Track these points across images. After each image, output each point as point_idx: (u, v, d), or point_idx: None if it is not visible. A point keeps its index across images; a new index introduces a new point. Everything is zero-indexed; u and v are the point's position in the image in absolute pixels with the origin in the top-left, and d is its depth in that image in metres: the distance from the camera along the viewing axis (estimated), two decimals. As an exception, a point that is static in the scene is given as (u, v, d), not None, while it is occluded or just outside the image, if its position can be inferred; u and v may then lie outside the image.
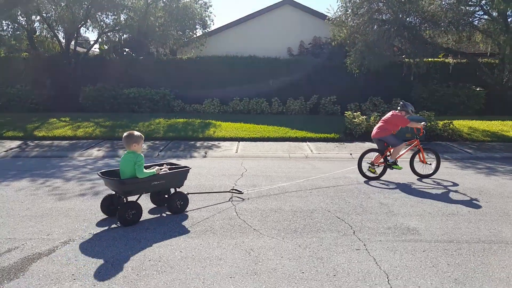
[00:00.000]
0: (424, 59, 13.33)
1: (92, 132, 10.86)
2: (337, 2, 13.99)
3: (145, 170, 4.34)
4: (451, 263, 3.40)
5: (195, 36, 16.44)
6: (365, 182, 6.36)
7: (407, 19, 12.93)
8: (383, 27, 12.65)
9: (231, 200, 5.17)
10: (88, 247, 3.67)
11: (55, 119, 12.51)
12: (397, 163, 6.58)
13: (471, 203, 5.21)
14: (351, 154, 9.06)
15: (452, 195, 5.63)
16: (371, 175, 6.56)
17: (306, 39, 17.43)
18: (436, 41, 13.72)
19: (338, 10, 13.59)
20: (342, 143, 10.36)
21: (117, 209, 4.33)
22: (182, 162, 7.66)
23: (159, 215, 4.64)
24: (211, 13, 16.32)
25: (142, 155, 4.40)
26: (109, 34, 16.23)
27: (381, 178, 6.53)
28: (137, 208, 4.32)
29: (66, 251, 3.58)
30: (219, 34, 17.85)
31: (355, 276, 3.13)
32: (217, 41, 17.42)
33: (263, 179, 6.42)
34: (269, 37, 17.38)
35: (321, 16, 16.76)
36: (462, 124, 11.78)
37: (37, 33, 16.25)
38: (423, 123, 6.81)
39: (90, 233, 4.02)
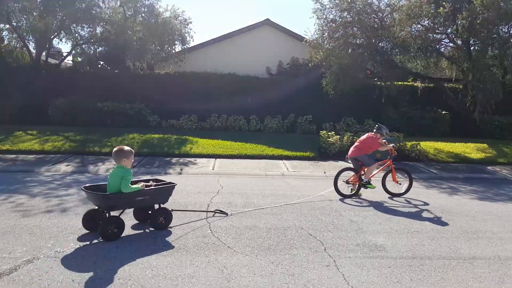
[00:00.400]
0: (395, 83, 13.98)
1: (61, 147, 10.66)
2: (314, 25, 14.71)
3: (131, 186, 4.39)
4: (414, 279, 3.62)
5: (174, 51, 16.55)
6: (340, 200, 6.60)
7: (380, 44, 13.61)
8: (357, 51, 13.26)
9: (206, 218, 5.26)
10: (54, 266, 3.59)
11: (21, 132, 12.16)
12: (371, 182, 6.89)
13: (434, 221, 5.52)
14: (325, 172, 9.33)
15: (418, 213, 5.94)
16: (347, 193, 6.82)
17: (284, 59, 17.91)
18: (406, 65, 14.48)
19: (315, 33, 14.16)
20: (316, 161, 10.65)
21: (98, 224, 4.33)
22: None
23: (142, 231, 4.67)
24: (190, 29, 16.58)
25: (131, 170, 4.48)
26: (83, 46, 16.07)
27: (354, 197, 6.80)
28: (120, 223, 4.36)
29: (29, 270, 3.48)
30: (198, 50, 18.08)
31: (324, 291, 3.30)
32: (197, 58, 17.61)
33: (239, 197, 6.55)
34: (248, 56, 17.73)
35: (299, 37, 17.32)
36: (428, 146, 12.35)
37: (6, 43, 15.87)
38: (392, 144, 7.19)
39: (56, 251, 3.95)
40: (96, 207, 4.54)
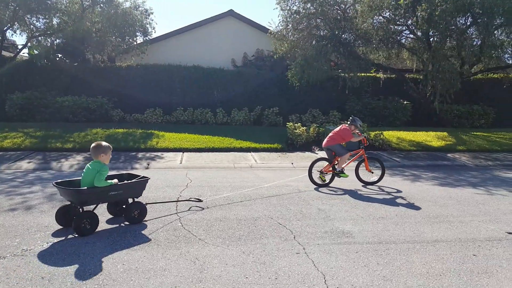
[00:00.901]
0: (358, 74, 14.29)
1: (21, 143, 10.15)
2: (278, 16, 14.71)
3: (105, 181, 4.36)
4: (380, 262, 3.73)
5: (135, 43, 16.06)
6: (307, 189, 6.69)
7: (343, 35, 13.85)
8: (321, 43, 13.41)
9: (176, 212, 5.17)
10: (22, 264, 3.47)
11: (-24, 130, 11.46)
12: (344, 172, 7.04)
13: (398, 207, 5.72)
14: (292, 163, 9.43)
15: (382, 200, 6.13)
16: (320, 182, 6.94)
17: (249, 51, 17.84)
18: (369, 57, 14.81)
19: (279, 25, 14.19)
20: (284, 153, 10.74)
21: (72, 220, 4.26)
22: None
23: (117, 225, 4.61)
24: (152, 20, 16.08)
25: (107, 166, 4.46)
26: (40, 38, 15.27)
27: (327, 186, 6.93)
28: (94, 218, 4.31)
29: (-4, 270, 3.36)
30: (161, 42, 17.66)
31: (295, 278, 3.33)
32: (159, 49, 17.21)
33: (208, 189, 6.49)
34: (212, 48, 17.56)
35: (263, 29, 17.32)
36: (391, 135, 12.77)
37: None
38: (364, 134, 7.44)
39: (23, 249, 3.80)
40: (69, 203, 4.47)
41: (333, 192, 6.56)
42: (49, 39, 15.50)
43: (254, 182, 7.20)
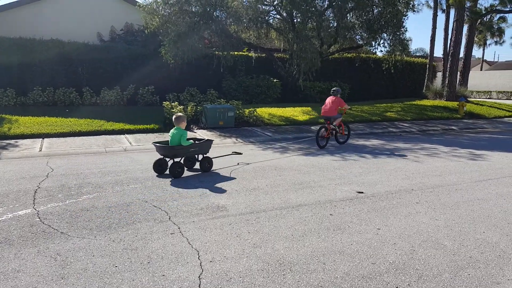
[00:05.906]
0: (231, 53, 14.56)
1: None
2: (147, -11, 13.71)
3: (187, 141, 6.31)
4: (251, 231, 3.98)
5: (-28, 12, 13.38)
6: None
7: (215, 13, 13.83)
8: (193, 19, 13.18)
9: (34, 205, 4.59)
10: None
11: None
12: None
13: (269, 178, 6.14)
14: (169, 143, 9.24)
15: (254, 173, 6.49)
16: (322, 145, 8.96)
17: (118, 25, 16.52)
18: (240, 36, 15.19)
19: (149, -2, 13.39)
20: (162, 133, 10.44)
21: (164, 169, 6.29)
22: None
23: (198, 172, 6.42)
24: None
25: (186, 131, 6.36)
26: None
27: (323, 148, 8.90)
28: (181, 166, 6.16)
29: None
30: (8, 11, 15.06)
31: (169, 258, 3.33)
32: (7, 20, 14.69)
33: (74, 178, 5.93)
34: (74, 20, 15.72)
35: (132, 1, 16.21)
36: (263, 111, 13.51)
37: None
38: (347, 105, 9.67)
39: None
40: (162, 157, 6.31)
41: (212, 169, 6.68)
42: None
43: (128, 166, 6.85)
